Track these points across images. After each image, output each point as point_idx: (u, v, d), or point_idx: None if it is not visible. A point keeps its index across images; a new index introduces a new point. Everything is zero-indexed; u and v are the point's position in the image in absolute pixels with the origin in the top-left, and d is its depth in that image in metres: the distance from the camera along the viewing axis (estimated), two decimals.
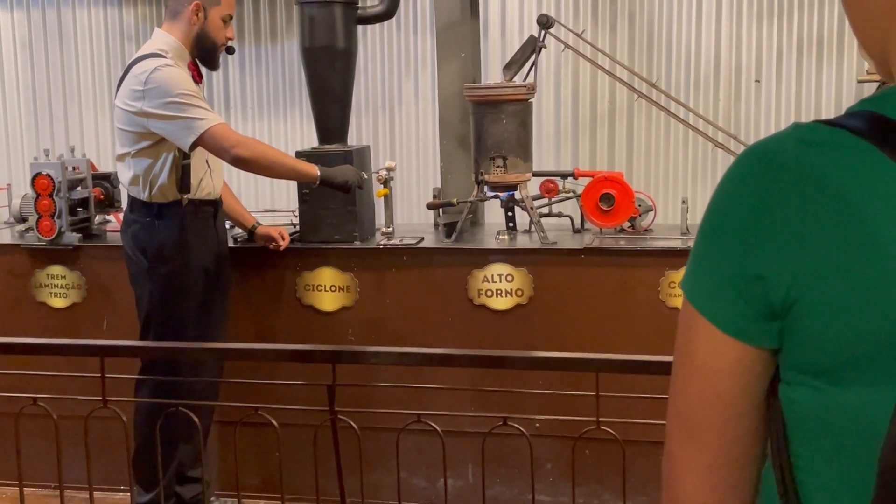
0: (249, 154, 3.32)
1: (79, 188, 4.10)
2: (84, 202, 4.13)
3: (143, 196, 3.39)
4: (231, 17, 3.51)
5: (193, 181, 3.41)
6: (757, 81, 5.43)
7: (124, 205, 3.63)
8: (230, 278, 3.69)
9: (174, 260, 3.40)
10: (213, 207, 3.54)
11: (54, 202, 3.95)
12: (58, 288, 4.10)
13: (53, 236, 3.97)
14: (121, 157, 3.44)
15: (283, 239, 3.75)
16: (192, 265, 3.44)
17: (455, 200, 3.96)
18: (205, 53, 3.48)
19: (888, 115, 0.87)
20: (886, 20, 0.91)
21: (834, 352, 0.87)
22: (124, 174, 3.45)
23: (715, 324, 0.92)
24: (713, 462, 0.96)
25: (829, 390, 0.89)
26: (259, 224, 3.82)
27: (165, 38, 3.42)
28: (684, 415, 0.97)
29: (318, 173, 3.47)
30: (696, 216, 4.62)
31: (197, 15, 3.39)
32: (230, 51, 3.60)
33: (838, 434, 0.89)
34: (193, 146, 3.28)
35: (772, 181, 0.88)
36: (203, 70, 3.57)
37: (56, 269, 4.09)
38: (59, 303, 4.10)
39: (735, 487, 0.97)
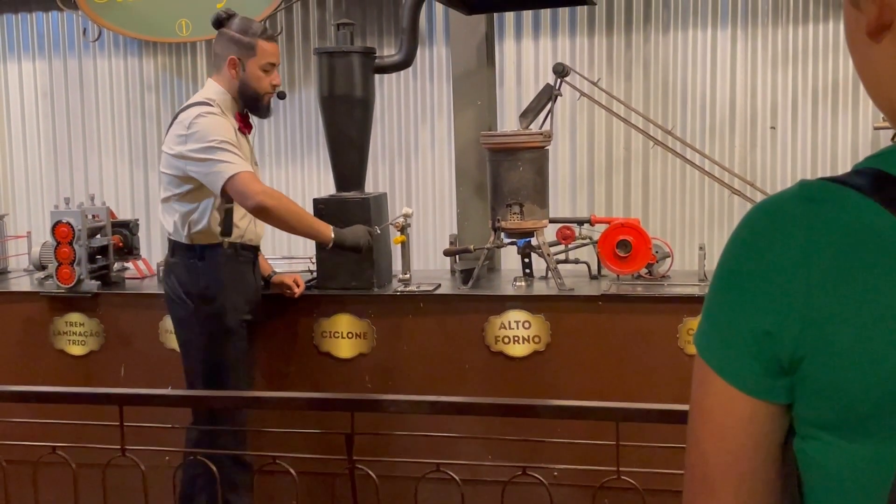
0: (271, 204, 3.33)
1: (98, 236, 4.14)
2: (103, 250, 4.16)
3: (185, 239, 3.43)
4: (273, 65, 3.53)
5: (236, 225, 3.45)
6: (772, 128, 5.44)
7: (146, 251, 3.68)
8: (256, 324, 3.68)
9: (219, 300, 3.43)
10: (253, 253, 3.58)
11: (74, 250, 3.98)
12: (76, 335, 4.12)
13: (73, 284, 4.00)
14: (165, 200, 3.49)
15: (298, 286, 3.77)
16: (234, 308, 3.47)
17: (472, 247, 3.96)
18: (250, 103, 3.53)
19: (891, 173, 0.88)
20: (892, 80, 0.92)
21: (843, 407, 0.88)
22: (167, 217, 3.49)
23: (727, 380, 0.94)
24: None
25: (841, 444, 0.89)
26: (276, 273, 3.85)
27: (214, 88, 3.50)
28: (699, 469, 0.98)
29: (332, 236, 3.50)
30: (713, 263, 4.60)
31: (234, 69, 3.46)
32: (281, 96, 3.64)
33: (850, 488, 0.89)
34: (223, 191, 3.33)
35: (777, 239, 0.90)
36: (254, 120, 3.64)
37: (74, 317, 4.11)
38: (77, 350, 4.12)
39: None
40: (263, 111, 3.58)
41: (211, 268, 3.44)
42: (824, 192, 0.90)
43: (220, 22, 3.51)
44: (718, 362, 0.94)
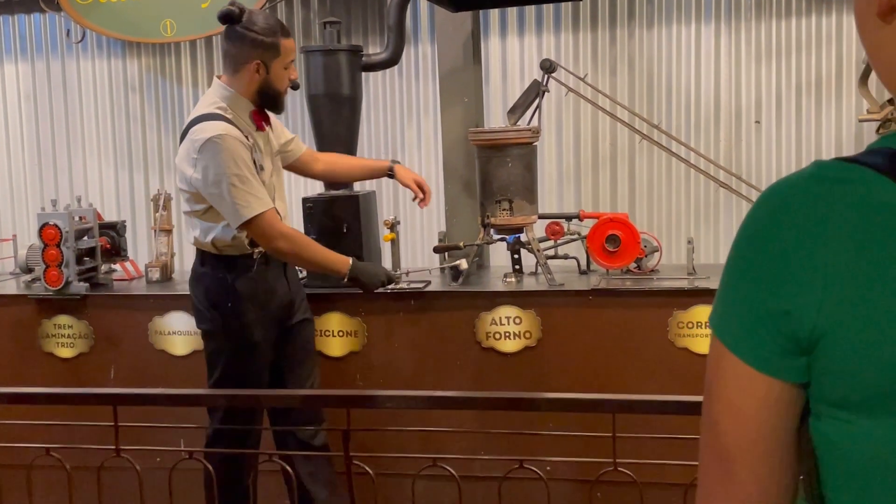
0: (288, 248, 3.29)
1: (85, 238, 4.12)
2: (91, 252, 4.15)
3: (214, 250, 3.34)
4: (293, 61, 3.39)
5: None
6: (757, 122, 5.46)
7: (133, 253, 3.63)
8: (309, 325, 3.63)
9: (248, 313, 3.34)
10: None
11: (61, 252, 3.96)
12: (65, 338, 4.10)
13: (60, 286, 3.98)
14: (189, 214, 3.37)
15: (425, 193, 3.73)
16: (266, 318, 3.39)
17: (462, 244, 3.97)
18: (269, 101, 3.38)
19: None
20: None
21: (862, 384, 0.88)
22: (192, 231, 3.38)
23: (744, 360, 0.94)
24: (746, 496, 0.97)
25: (860, 423, 0.90)
26: (395, 164, 3.78)
27: (224, 92, 3.32)
28: (716, 451, 0.98)
29: (347, 271, 3.41)
30: (701, 256, 4.63)
31: (258, 72, 3.30)
32: (295, 87, 3.49)
33: (869, 466, 0.90)
34: (240, 228, 3.25)
35: (794, 218, 0.91)
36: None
37: (63, 319, 4.09)
38: (66, 353, 4.10)
39: None
40: (281, 107, 3.45)
41: (241, 280, 3.34)
42: (841, 171, 0.91)
43: (231, 18, 3.27)
44: (736, 342, 0.95)
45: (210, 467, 2.57)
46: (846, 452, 0.92)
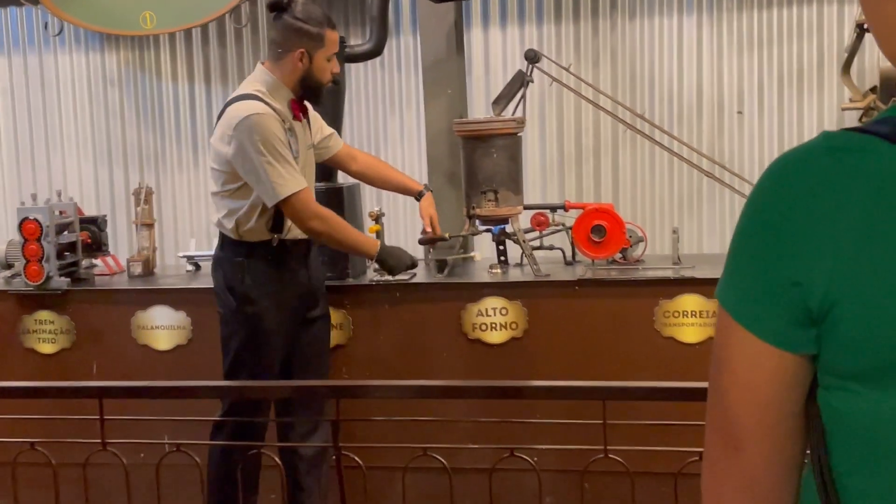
0: (322, 229, 3.32)
1: (66, 232, 4.07)
2: (71, 246, 4.10)
3: (234, 235, 3.35)
4: (335, 54, 3.42)
5: (287, 222, 3.35)
6: (739, 113, 5.48)
7: (114, 247, 3.60)
8: (326, 316, 3.63)
9: (261, 301, 3.35)
10: (305, 248, 3.46)
11: (42, 247, 3.91)
12: (46, 333, 4.05)
13: (41, 281, 3.93)
14: (214, 195, 3.40)
15: (433, 228, 3.72)
16: (281, 306, 3.38)
17: (447, 235, 3.95)
18: (309, 92, 3.39)
19: None
20: None
21: (873, 355, 0.88)
22: (216, 213, 3.39)
23: (752, 332, 0.93)
24: (753, 470, 0.96)
25: (870, 394, 0.89)
26: (427, 192, 3.75)
27: (266, 77, 3.33)
28: (724, 424, 0.97)
29: (376, 253, 3.45)
30: (685, 246, 4.62)
31: (301, 61, 3.30)
32: (336, 82, 3.51)
33: (880, 438, 0.89)
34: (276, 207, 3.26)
35: (804, 188, 0.90)
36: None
37: (44, 315, 4.05)
38: (47, 348, 4.05)
39: (775, 493, 0.97)
40: (320, 99, 3.47)
41: (258, 266, 3.35)
42: (850, 141, 0.90)
43: (279, 6, 3.30)
44: (745, 315, 0.93)
45: (197, 459, 2.54)
46: (855, 424, 0.91)
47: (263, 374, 3.33)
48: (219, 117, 3.35)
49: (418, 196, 3.75)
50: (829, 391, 0.93)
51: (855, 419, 0.91)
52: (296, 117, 3.38)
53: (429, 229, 3.73)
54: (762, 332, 0.92)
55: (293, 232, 3.37)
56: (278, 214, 3.32)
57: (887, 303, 0.85)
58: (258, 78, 3.35)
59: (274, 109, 3.26)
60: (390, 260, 3.49)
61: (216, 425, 3.34)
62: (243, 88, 3.35)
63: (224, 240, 3.41)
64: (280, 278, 3.38)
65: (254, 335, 3.35)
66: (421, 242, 4.08)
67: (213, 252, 4.30)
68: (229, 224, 3.34)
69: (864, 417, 0.90)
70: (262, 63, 3.40)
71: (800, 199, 0.89)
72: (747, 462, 0.96)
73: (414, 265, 3.60)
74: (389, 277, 3.82)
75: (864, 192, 0.87)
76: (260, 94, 3.28)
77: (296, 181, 3.25)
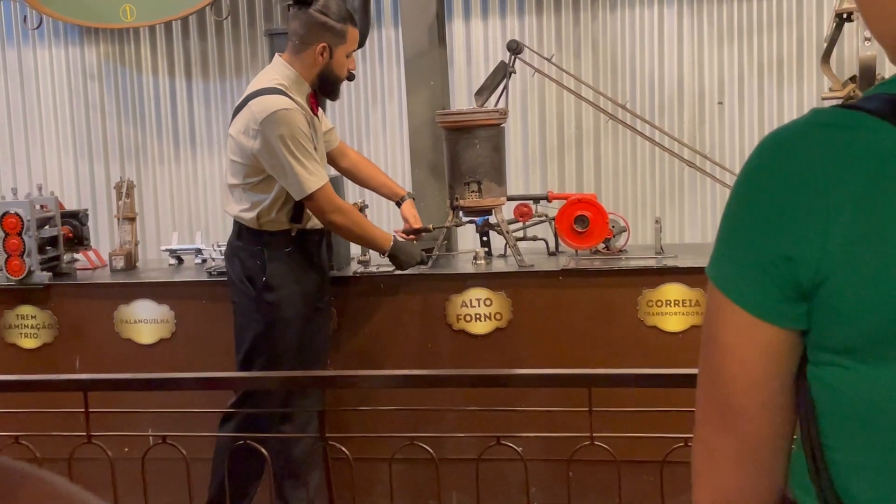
0: (343, 222, 3.41)
1: (47, 227, 4.05)
2: (53, 241, 4.07)
3: (254, 225, 3.37)
4: (354, 51, 3.46)
5: (306, 213, 3.40)
6: (720, 104, 5.51)
7: (95, 242, 3.58)
8: (329, 312, 3.69)
9: (282, 289, 3.38)
10: (320, 236, 3.52)
11: (23, 241, 3.89)
12: (28, 328, 4.03)
13: (23, 276, 3.91)
14: (233, 187, 3.39)
15: (416, 231, 3.78)
16: (300, 294, 3.42)
17: (431, 226, 3.95)
18: (327, 87, 3.44)
19: None
20: (895, 9, 0.93)
21: (863, 328, 0.89)
22: (235, 204, 3.40)
23: (744, 307, 0.94)
24: (745, 445, 0.97)
25: (859, 368, 0.90)
26: (409, 199, 3.83)
27: (285, 71, 3.35)
28: (715, 400, 0.98)
29: (389, 248, 3.54)
30: (667, 236, 4.65)
31: (322, 55, 3.34)
32: (350, 78, 3.54)
33: (869, 412, 0.90)
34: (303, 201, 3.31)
35: (795, 164, 0.90)
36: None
37: (26, 309, 4.02)
38: (29, 343, 4.03)
39: (767, 469, 0.98)
40: (337, 94, 3.54)
41: (278, 255, 3.38)
42: (840, 117, 0.91)
43: (303, 0, 3.34)
44: (736, 290, 0.94)
45: (184, 452, 2.53)
46: (845, 399, 0.92)
47: (279, 361, 3.36)
48: (238, 108, 3.36)
49: (400, 200, 3.82)
50: (819, 367, 0.94)
51: (845, 394, 0.92)
52: (313, 112, 3.41)
53: (410, 227, 3.78)
54: (754, 308, 0.93)
55: (311, 222, 3.43)
56: (299, 206, 3.36)
57: (879, 276, 0.86)
58: (279, 71, 3.37)
59: (297, 103, 3.28)
60: (401, 255, 3.59)
61: (225, 415, 3.36)
62: (264, 81, 3.35)
63: (241, 229, 3.42)
64: (299, 267, 3.43)
65: (273, 323, 3.38)
66: (406, 233, 4.08)
67: (196, 246, 4.31)
68: (250, 215, 3.36)
69: (853, 392, 0.91)
70: (280, 55, 3.41)
71: (790, 175, 0.90)
72: (740, 437, 0.97)
73: (423, 261, 3.69)
74: (373, 270, 3.84)
75: (855, 166, 0.87)
76: (283, 88, 3.29)
77: (321, 176, 3.31)
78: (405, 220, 3.83)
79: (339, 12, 3.36)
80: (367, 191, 5.58)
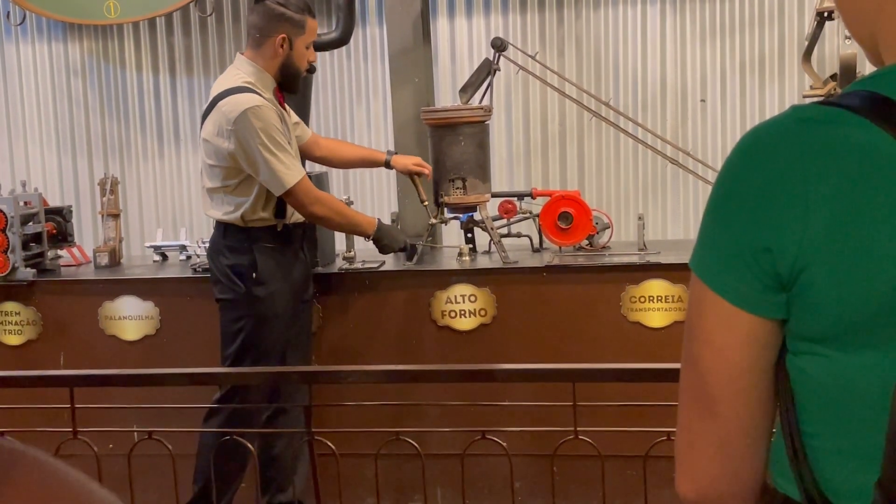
0: (324, 213, 3.41)
1: (31, 223, 4.04)
2: (37, 237, 4.07)
3: (239, 223, 3.36)
4: (313, 42, 3.46)
5: (289, 208, 3.40)
6: (702, 101, 5.54)
7: (79, 238, 3.57)
8: (311, 306, 3.70)
9: (272, 283, 3.38)
10: (302, 230, 3.52)
11: (7, 237, 3.88)
12: (12, 325, 4.02)
13: (7, 272, 3.90)
14: (212, 191, 3.37)
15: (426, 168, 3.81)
16: (289, 289, 3.44)
17: (425, 202, 3.94)
18: (288, 80, 3.43)
19: (883, 93, 0.91)
20: (873, 10, 0.95)
21: (840, 317, 0.91)
22: (216, 209, 3.38)
23: (725, 297, 0.96)
24: (726, 434, 0.99)
25: (837, 357, 0.93)
26: (392, 153, 3.85)
27: (249, 67, 3.35)
28: (697, 389, 1.00)
29: (373, 231, 3.55)
30: (650, 232, 4.67)
31: (282, 47, 3.33)
32: (311, 71, 3.54)
33: (847, 399, 0.93)
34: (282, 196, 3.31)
35: (775, 158, 0.93)
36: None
37: (10, 306, 4.01)
38: (13, 340, 4.02)
39: (748, 457, 1.00)
40: (297, 87, 3.52)
41: (265, 249, 3.39)
42: (819, 113, 0.93)
43: None
44: (717, 281, 0.96)
45: (170, 447, 2.54)
46: (823, 387, 0.94)
47: (268, 356, 3.36)
48: (207, 111, 3.34)
49: (388, 161, 3.82)
50: (798, 356, 0.97)
51: (822, 381, 0.94)
52: (281, 105, 3.41)
53: (423, 171, 3.79)
54: (734, 298, 0.96)
55: (295, 216, 3.44)
56: (281, 201, 3.36)
57: (854, 268, 0.89)
58: (243, 69, 3.35)
59: (265, 99, 3.28)
60: (385, 238, 3.59)
61: (210, 411, 3.36)
62: (230, 81, 3.33)
63: (227, 228, 3.41)
64: (286, 261, 3.44)
65: (263, 318, 3.38)
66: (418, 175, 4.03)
67: (181, 242, 4.31)
68: (234, 216, 3.36)
69: (830, 379, 0.94)
70: (242, 53, 3.40)
71: (771, 168, 0.93)
72: (721, 426, 0.99)
73: (406, 248, 3.70)
74: (359, 266, 3.85)
75: (834, 161, 0.90)
76: (250, 85, 3.29)
77: (297, 170, 3.31)
78: (407, 169, 3.82)
79: (297, 3, 3.35)
80: (351, 186, 5.62)
